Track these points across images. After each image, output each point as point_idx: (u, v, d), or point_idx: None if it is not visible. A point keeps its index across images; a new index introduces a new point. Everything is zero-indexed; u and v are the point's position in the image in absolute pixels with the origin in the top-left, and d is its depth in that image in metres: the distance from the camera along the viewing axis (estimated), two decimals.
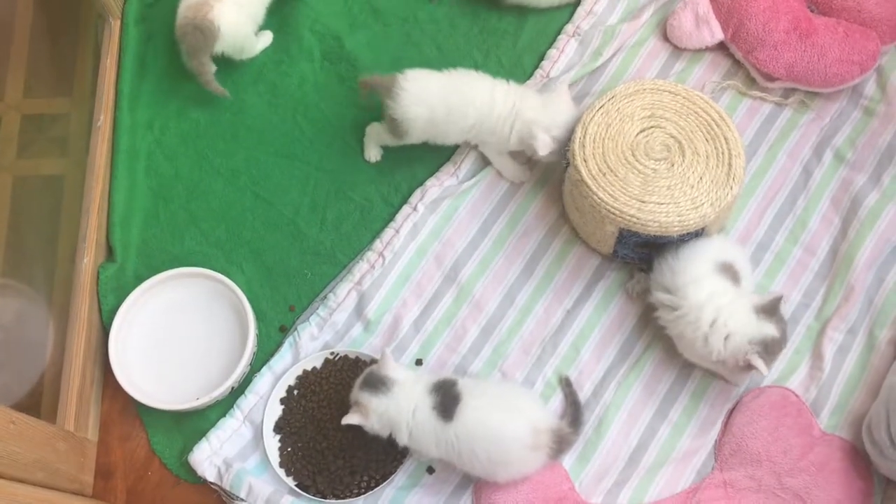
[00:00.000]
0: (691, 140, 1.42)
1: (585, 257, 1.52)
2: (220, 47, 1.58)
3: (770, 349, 1.29)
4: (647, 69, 1.66)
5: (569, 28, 1.69)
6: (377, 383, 1.30)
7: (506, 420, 1.28)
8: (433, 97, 1.48)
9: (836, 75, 1.57)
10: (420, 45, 1.71)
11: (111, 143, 1.59)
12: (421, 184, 1.58)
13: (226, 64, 1.64)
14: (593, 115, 1.44)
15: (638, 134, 1.43)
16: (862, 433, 1.35)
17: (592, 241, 1.50)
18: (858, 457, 1.35)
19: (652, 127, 1.43)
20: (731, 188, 1.39)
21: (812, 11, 1.64)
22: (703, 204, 1.37)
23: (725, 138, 1.42)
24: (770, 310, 1.30)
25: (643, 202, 1.37)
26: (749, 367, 1.30)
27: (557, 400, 1.44)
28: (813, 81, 1.58)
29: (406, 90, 1.47)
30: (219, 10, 1.54)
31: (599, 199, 1.38)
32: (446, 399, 1.28)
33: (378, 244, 1.53)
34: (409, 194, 1.58)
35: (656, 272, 1.41)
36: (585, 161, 1.41)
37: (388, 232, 1.54)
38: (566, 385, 1.44)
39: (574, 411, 1.40)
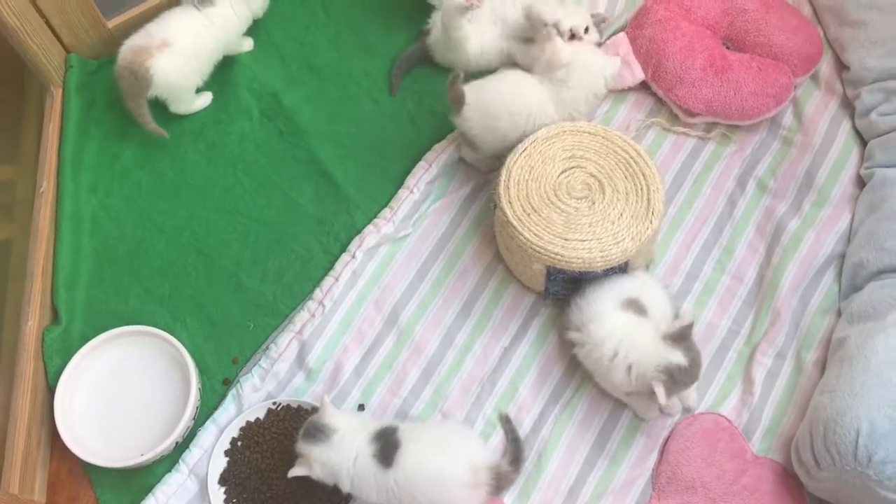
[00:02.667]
0: (611, 178, 1.47)
1: (520, 296, 1.56)
2: (156, 93, 1.64)
3: (676, 377, 1.30)
4: None
5: None
6: (317, 432, 1.32)
7: (444, 461, 1.31)
8: (488, 102, 1.53)
9: (753, 108, 1.63)
10: (356, 98, 1.76)
11: (55, 207, 1.63)
12: (359, 231, 1.62)
13: (167, 124, 1.69)
14: (517, 159, 1.49)
15: (560, 174, 1.48)
16: (791, 454, 1.38)
17: (525, 279, 1.54)
18: (790, 478, 1.38)
19: (573, 167, 1.49)
20: (651, 222, 1.44)
21: (728, 48, 1.71)
22: (624, 239, 1.42)
23: (644, 174, 1.47)
24: (679, 337, 1.32)
25: (566, 240, 1.42)
26: (654, 401, 1.32)
27: (498, 438, 1.46)
28: (731, 115, 1.64)
29: (468, 106, 1.53)
30: (157, 59, 1.60)
31: (525, 238, 1.43)
32: (386, 446, 1.31)
33: (318, 293, 1.57)
34: (349, 241, 1.62)
35: (568, 311, 1.46)
36: (511, 203, 1.46)
37: (328, 280, 1.58)
38: (506, 422, 1.47)
39: (514, 448, 1.43)
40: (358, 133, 1.73)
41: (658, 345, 1.32)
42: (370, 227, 1.62)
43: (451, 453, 1.32)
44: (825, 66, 1.70)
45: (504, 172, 1.48)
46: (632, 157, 1.49)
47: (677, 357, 1.30)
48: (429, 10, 1.75)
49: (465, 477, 1.30)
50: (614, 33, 1.77)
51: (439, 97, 1.74)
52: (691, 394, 1.46)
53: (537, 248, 1.42)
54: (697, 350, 1.33)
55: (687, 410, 1.46)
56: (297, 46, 1.81)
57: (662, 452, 1.44)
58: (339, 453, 1.31)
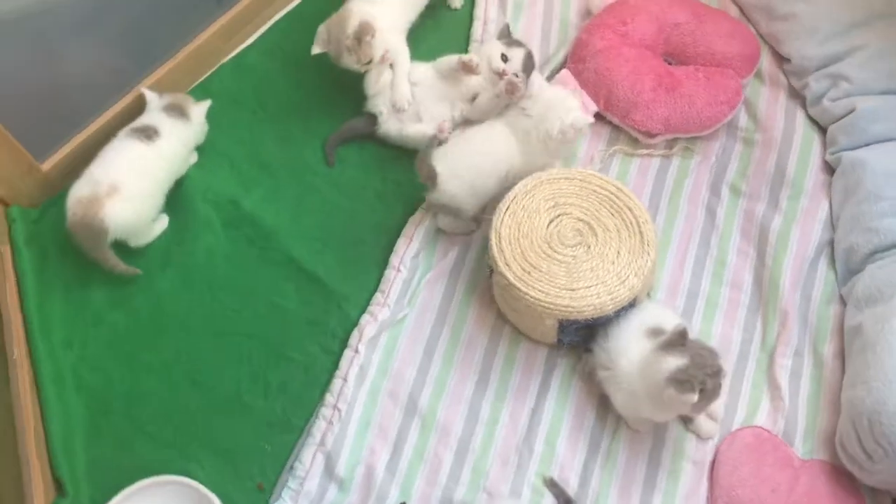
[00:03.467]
0: (598, 218, 1.47)
1: (533, 352, 1.54)
2: (114, 238, 1.57)
3: (680, 377, 1.28)
4: None
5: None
6: None
7: None
8: (464, 170, 1.53)
9: (709, 117, 1.65)
10: (316, 187, 1.72)
11: (33, 373, 1.53)
12: (355, 323, 1.58)
13: (129, 257, 1.61)
14: (502, 219, 1.47)
15: (548, 225, 1.47)
16: (837, 451, 1.39)
17: (535, 335, 1.52)
18: (842, 475, 1.39)
19: (559, 216, 1.48)
20: (649, 254, 1.43)
21: (670, 64, 1.74)
22: (628, 276, 1.41)
23: (629, 208, 1.47)
24: (672, 343, 1.31)
25: (573, 290, 1.40)
26: (689, 405, 1.29)
27: (550, 501, 1.43)
28: (690, 128, 1.66)
29: (441, 176, 1.52)
30: (109, 208, 1.52)
31: (532, 298, 1.40)
32: None
33: (329, 398, 1.51)
34: (347, 335, 1.57)
35: (595, 355, 1.44)
36: (508, 265, 1.44)
37: (337, 382, 1.52)
38: (552, 486, 1.43)
39: (560, 494, 1.40)
40: (328, 222, 1.69)
41: (664, 359, 1.30)
42: (366, 317, 1.57)
43: None
44: (766, 62, 1.74)
45: (493, 236, 1.46)
46: (612, 194, 1.48)
47: (674, 361, 1.28)
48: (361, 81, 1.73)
49: None
50: (555, 71, 1.77)
51: (402, 168, 1.72)
52: (718, 407, 1.46)
53: (546, 305, 1.40)
54: (698, 345, 1.31)
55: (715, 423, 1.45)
56: (244, 148, 1.76)
57: (711, 479, 1.43)
58: None
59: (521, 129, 1.55)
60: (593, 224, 1.46)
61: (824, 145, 1.65)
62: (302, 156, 1.76)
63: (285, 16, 1.91)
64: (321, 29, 1.63)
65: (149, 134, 1.60)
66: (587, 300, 1.39)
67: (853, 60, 1.62)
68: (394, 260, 1.61)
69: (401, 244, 1.62)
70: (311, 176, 1.74)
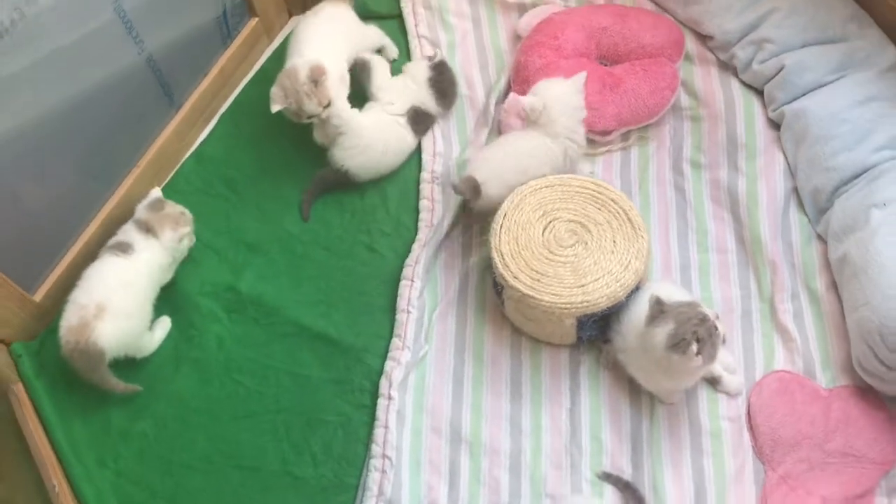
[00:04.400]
0: (588, 216, 1.55)
1: (556, 356, 1.60)
2: (113, 356, 1.56)
3: (675, 341, 1.35)
4: None
5: (425, 176, 1.81)
6: None
7: None
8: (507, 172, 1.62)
9: (656, 104, 1.77)
10: (307, 255, 1.76)
11: (77, 499, 1.51)
12: (379, 372, 1.61)
13: (140, 367, 1.62)
14: (500, 237, 1.54)
15: (543, 233, 1.54)
16: (857, 372, 1.48)
17: (555, 338, 1.58)
18: (866, 392, 1.48)
19: (551, 221, 1.55)
20: (642, 236, 1.52)
21: (607, 65, 1.85)
22: (629, 261, 1.49)
23: (612, 200, 1.56)
24: (654, 315, 1.39)
25: (584, 286, 1.48)
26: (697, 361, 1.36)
27: (610, 491, 1.48)
28: (641, 118, 1.77)
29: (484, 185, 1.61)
30: (99, 330, 1.52)
31: (548, 302, 1.47)
32: None
33: (376, 448, 1.53)
34: (375, 386, 1.60)
35: (614, 343, 1.52)
36: (517, 278, 1.50)
37: (379, 432, 1.54)
38: (607, 477, 1.48)
39: (631, 495, 1.45)
40: (326, 284, 1.72)
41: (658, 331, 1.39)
42: (390, 363, 1.60)
43: None
44: (691, 44, 1.87)
45: (495, 255, 1.53)
46: (594, 191, 1.57)
47: (662, 329, 1.37)
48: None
49: None
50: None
51: (383, 217, 1.78)
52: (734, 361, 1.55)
53: (562, 306, 1.46)
54: (677, 305, 1.39)
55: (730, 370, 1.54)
56: (227, 235, 1.79)
57: (752, 429, 1.50)
58: None
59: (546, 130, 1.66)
60: (584, 222, 1.54)
61: (764, 105, 1.78)
62: (284, 227, 1.79)
63: (231, 104, 1.96)
64: (274, 89, 1.67)
65: (124, 248, 1.62)
66: (599, 292, 1.47)
67: (770, 23, 1.76)
68: (401, 304, 1.65)
69: (404, 287, 1.67)
70: (298, 244, 1.78)
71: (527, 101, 1.63)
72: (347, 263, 1.75)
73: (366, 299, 1.70)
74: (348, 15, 1.83)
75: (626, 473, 1.49)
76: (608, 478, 1.48)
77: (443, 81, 1.83)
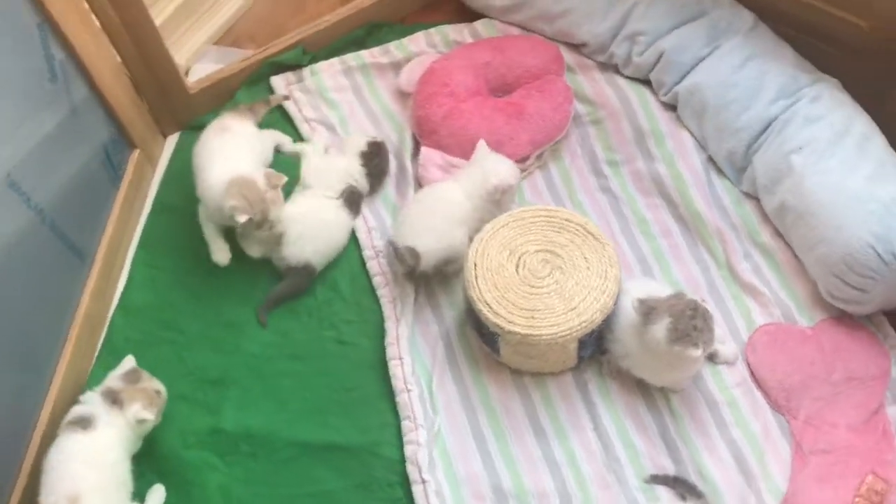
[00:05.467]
0: (551, 241, 1.58)
1: (562, 383, 1.61)
2: None
3: (677, 335, 1.41)
4: None
5: (368, 254, 1.78)
6: None
7: None
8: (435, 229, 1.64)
9: (562, 120, 1.84)
10: (279, 370, 1.67)
11: None
12: (400, 461, 1.55)
13: None
14: (478, 287, 1.54)
15: (517, 270, 1.56)
16: (831, 303, 1.60)
17: (558, 367, 1.59)
18: (845, 320, 1.60)
19: (520, 257, 1.57)
20: (607, 244, 1.57)
21: (500, 96, 1.90)
22: (606, 270, 1.54)
23: (566, 219, 1.60)
24: (646, 314, 1.46)
25: (575, 308, 1.50)
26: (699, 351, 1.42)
27: (662, 489, 1.50)
28: (552, 136, 1.84)
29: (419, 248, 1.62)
30: None
31: (549, 336, 1.48)
32: None
33: None
34: (402, 476, 1.54)
35: (611, 352, 1.57)
36: (511, 322, 1.50)
37: None
38: (654, 479, 1.51)
39: (683, 487, 1.48)
40: (310, 393, 1.65)
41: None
42: (410, 448, 1.55)
43: None
44: (567, 56, 1.95)
45: (482, 307, 1.52)
46: (547, 217, 1.61)
47: (660, 328, 1.43)
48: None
49: None
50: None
51: (343, 305, 1.74)
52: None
53: (564, 333, 1.48)
54: (664, 299, 1.46)
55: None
56: (188, 379, 1.67)
57: (761, 387, 1.58)
58: None
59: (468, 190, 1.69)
60: (551, 248, 1.57)
61: (654, 91, 1.88)
62: (244, 351, 1.70)
63: (140, 245, 1.84)
64: (235, 202, 1.59)
65: (85, 424, 1.48)
66: (591, 308, 1.50)
67: (635, 17, 1.87)
68: (398, 385, 1.61)
69: (395, 368, 1.63)
70: (265, 363, 1.69)
71: (504, 183, 1.67)
72: (323, 364, 1.68)
73: (357, 393, 1.65)
74: (249, 127, 1.79)
75: (670, 469, 1.52)
76: (656, 479, 1.51)
77: (376, 164, 1.82)
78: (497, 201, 1.68)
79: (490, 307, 1.52)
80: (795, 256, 1.68)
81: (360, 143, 1.82)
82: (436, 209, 1.68)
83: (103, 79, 1.71)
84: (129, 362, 1.59)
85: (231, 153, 1.68)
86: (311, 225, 1.72)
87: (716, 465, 1.51)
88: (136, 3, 1.69)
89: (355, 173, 1.79)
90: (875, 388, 1.54)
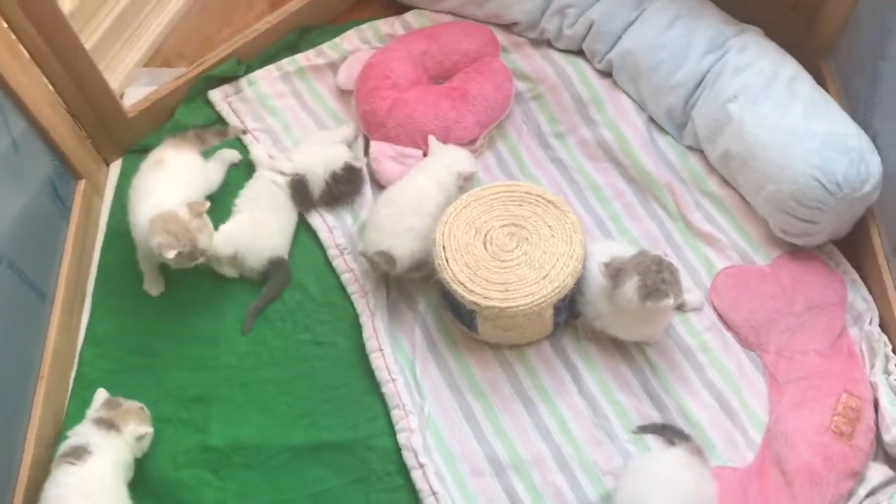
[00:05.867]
0: (514, 215, 1.62)
1: (541, 352, 1.65)
2: None
3: (647, 291, 1.47)
4: None
5: (332, 252, 1.78)
6: None
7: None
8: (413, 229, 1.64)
9: (504, 98, 1.88)
10: (260, 378, 1.67)
11: None
12: (395, 450, 1.56)
13: None
14: (450, 269, 1.56)
15: (485, 247, 1.59)
16: (784, 239, 1.67)
17: (536, 336, 1.63)
18: (798, 253, 1.68)
19: (486, 234, 1.60)
20: (568, 211, 1.62)
21: (440, 83, 1.93)
22: (571, 236, 1.58)
23: (526, 192, 1.64)
24: (613, 275, 1.51)
25: (547, 276, 1.54)
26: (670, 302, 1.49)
27: (651, 438, 1.55)
28: (497, 115, 1.88)
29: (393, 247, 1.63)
30: None
31: (526, 305, 1.52)
32: None
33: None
34: (399, 465, 1.55)
35: (584, 314, 1.63)
36: (487, 297, 1.53)
37: (429, 501, 1.50)
38: (643, 430, 1.56)
39: (671, 433, 1.53)
40: (297, 398, 1.64)
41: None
42: (403, 435, 1.56)
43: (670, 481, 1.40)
44: (500, 36, 1.99)
45: (457, 287, 1.55)
46: (508, 191, 1.64)
47: (630, 287, 1.49)
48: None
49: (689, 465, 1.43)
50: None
51: (314, 306, 1.74)
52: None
53: (539, 301, 1.52)
54: (630, 258, 1.52)
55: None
56: (169, 400, 1.64)
57: (730, 328, 1.64)
58: None
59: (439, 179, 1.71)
60: (515, 222, 1.61)
61: (588, 61, 1.94)
62: (222, 364, 1.69)
63: (98, 277, 1.81)
64: (161, 238, 1.57)
65: (79, 454, 1.46)
66: (562, 273, 1.54)
67: None
68: (382, 375, 1.62)
69: (377, 360, 1.63)
70: (245, 373, 1.68)
71: (467, 170, 1.72)
72: (304, 367, 1.68)
73: (342, 390, 1.65)
74: (187, 156, 1.77)
75: (656, 418, 1.57)
76: (644, 429, 1.56)
77: (341, 190, 1.81)
78: (460, 188, 1.71)
79: (465, 286, 1.55)
80: (744, 200, 1.75)
81: (338, 161, 1.80)
82: (410, 207, 1.67)
83: (40, 110, 1.67)
84: (101, 395, 1.58)
85: (162, 188, 1.66)
86: (258, 224, 1.73)
87: (699, 407, 1.57)
88: (65, 30, 1.66)
89: (325, 176, 1.79)
90: (835, 312, 1.62)
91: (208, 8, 2.20)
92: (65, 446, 1.48)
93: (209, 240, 1.63)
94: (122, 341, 1.73)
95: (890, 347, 1.56)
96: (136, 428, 1.49)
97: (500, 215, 1.62)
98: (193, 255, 1.61)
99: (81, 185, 1.83)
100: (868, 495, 1.45)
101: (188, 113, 1.96)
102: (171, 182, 1.69)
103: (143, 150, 1.85)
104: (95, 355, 1.72)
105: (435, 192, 1.70)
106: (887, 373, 1.54)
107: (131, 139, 1.93)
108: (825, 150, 1.56)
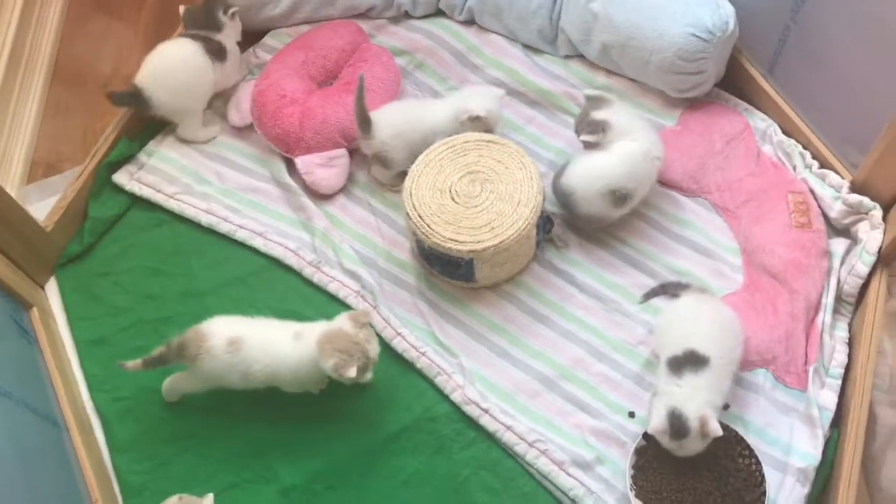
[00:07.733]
0: (466, 164, 1.74)
1: (533, 273, 1.79)
2: None
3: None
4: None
5: (308, 272, 1.82)
6: None
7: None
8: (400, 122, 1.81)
9: (395, 75, 2.01)
10: (305, 409, 1.70)
11: None
12: (455, 409, 1.66)
13: None
14: (436, 233, 1.66)
15: (455, 200, 1.70)
16: (680, 95, 1.90)
17: (525, 261, 1.77)
18: (696, 105, 1.93)
19: (449, 189, 1.71)
20: (507, 143, 1.77)
21: (331, 84, 2.00)
22: (521, 161, 1.74)
23: (465, 141, 1.77)
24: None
25: (521, 202, 1.68)
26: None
27: (658, 300, 1.73)
28: (396, 92, 1.99)
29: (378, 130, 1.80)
30: None
31: (514, 233, 1.65)
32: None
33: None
34: (464, 421, 1.65)
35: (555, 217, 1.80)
36: (480, 241, 1.65)
37: (506, 436, 1.61)
38: (647, 297, 1.71)
39: (671, 288, 1.70)
40: (343, 419, 1.69)
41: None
42: (457, 393, 1.65)
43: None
44: (363, 24, 2.09)
45: (451, 246, 1.64)
46: (450, 147, 1.76)
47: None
48: None
49: None
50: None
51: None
52: None
53: (524, 225, 1.66)
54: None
55: None
56: (227, 466, 1.64)
57: (673, 188, 1.85)
58: None
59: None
60: (470, 169, 1.73)
61: (451, 17, 2.09)
62: (267, 416, 1.70)
63: (91, 391, 1.75)
64: (336, 360, 1.53)
65: None
66: (531, 192, 1.69)
67: None
68: (411, 355, 1.70)
69: (399, 344, 1.71)
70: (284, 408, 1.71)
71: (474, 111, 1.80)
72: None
73: (380, 383, 1.70)
74: None
75: (654, 283, 1.75)
76: (648, 296, 1.70)
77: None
78: (472, 125, 1.81)
79: (456, 241, 1.65)
80: (632, 81, 1.97)
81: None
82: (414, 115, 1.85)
83: None
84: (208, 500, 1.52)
85: None
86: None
87: (682, 260, 1.77)
88: None
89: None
90: (747, 138, 1.87)
91: (60, 108, 2.13)
92: None
93: (378, 348, 1.59)
94: (148, 437, 1.69)
95: (800, 147, 1.83)
96: None
97: (454, 170, 1.73)
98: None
99: (34, 313, 1.76)
100: (841, 264, 1.70)
101: (101, 206, 1.92)
102: None
103: (70, 260, 1.86)
104: (129, 461, 1.67)
105: (441, 115, 1.83)
106: (808, 166, 1.81)
107: (56, 254, 1.87)
108: (689, 8, 1.80)
